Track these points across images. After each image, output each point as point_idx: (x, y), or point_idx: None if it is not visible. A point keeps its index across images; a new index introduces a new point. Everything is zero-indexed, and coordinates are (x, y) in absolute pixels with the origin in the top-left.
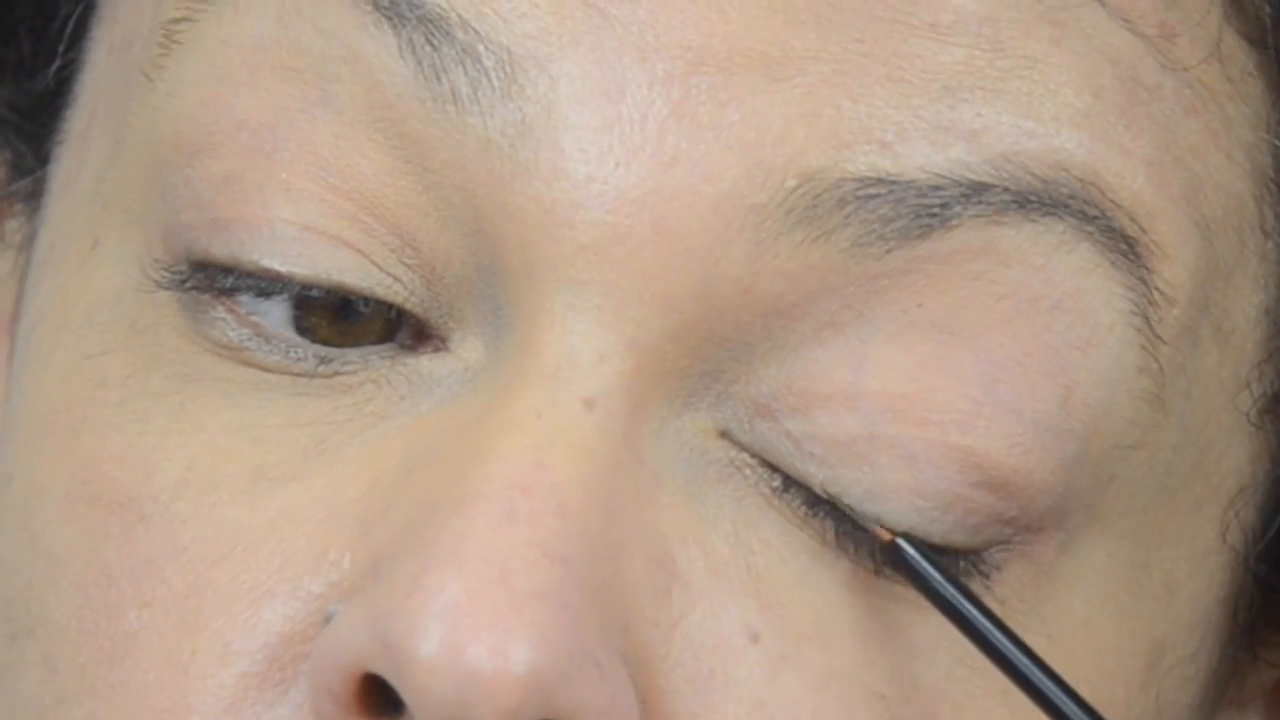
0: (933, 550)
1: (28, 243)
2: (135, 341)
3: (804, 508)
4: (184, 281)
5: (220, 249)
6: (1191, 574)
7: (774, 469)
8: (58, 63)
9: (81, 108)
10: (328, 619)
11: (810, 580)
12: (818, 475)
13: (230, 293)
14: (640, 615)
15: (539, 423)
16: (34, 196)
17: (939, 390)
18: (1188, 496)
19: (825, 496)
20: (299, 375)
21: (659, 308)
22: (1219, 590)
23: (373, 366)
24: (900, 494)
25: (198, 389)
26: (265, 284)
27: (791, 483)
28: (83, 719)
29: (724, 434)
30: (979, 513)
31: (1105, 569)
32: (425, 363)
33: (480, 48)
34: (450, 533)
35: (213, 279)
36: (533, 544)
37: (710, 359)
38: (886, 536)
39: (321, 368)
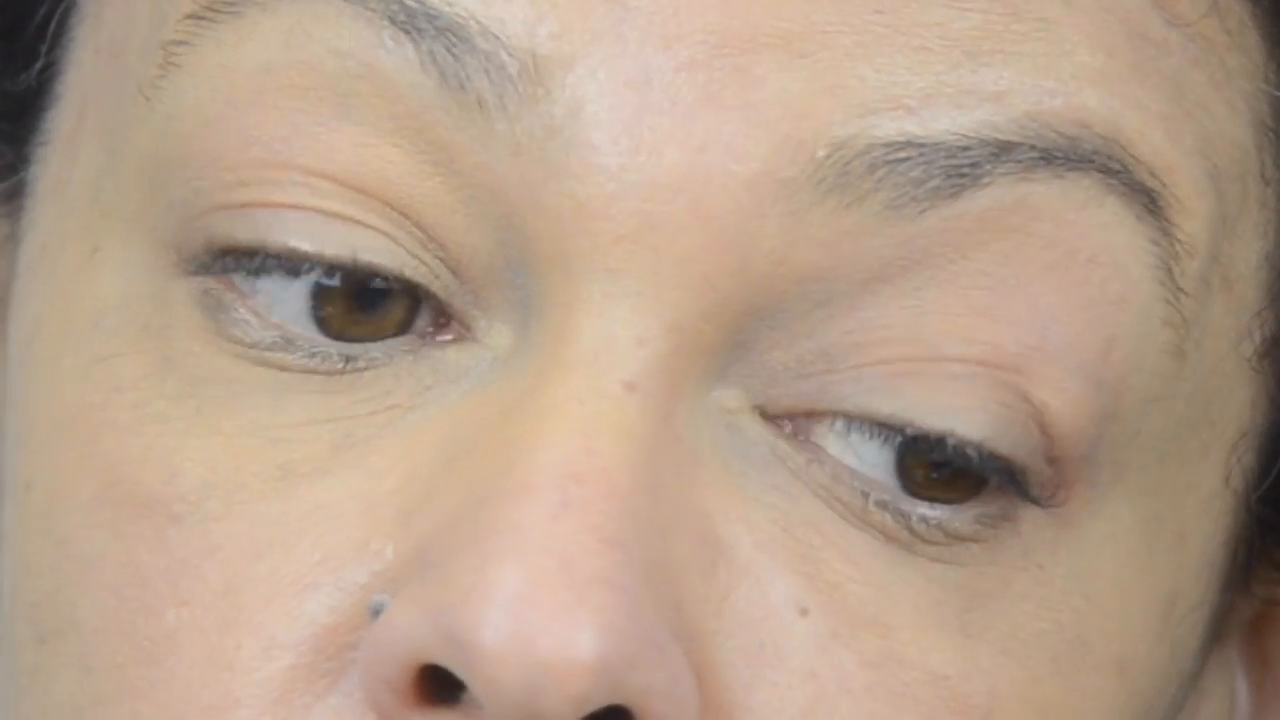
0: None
1: (6, 242)
2: (148, 344)
3: (858, 500)
4: (206, 269)
5: (244, 232)
6: (1199, 521)
7: (819, 455)
8: (40, 63)
9: (68, 109)
10: (374, 609)
11: (866, 570)
12: (882, 407)
13: (255, 274)
14: (690, 592)
15: (582, 408)
16: (14, 196)
17: (995, 333)
18: (1196, 445)
19: (893, 424)
20: (324, 374)
21: (696, 288)
22: (1223, 534)
23: (395, 362)
24: (969, 411)
25: (212, 391)
26: (291, 263)
27: (840, 476)
28: (125, 717)
29: (759, 409)
30: (1031, 441)
31: (1129, 526)
32: (451, 354)
33: (503, 55)
34: (507, 523)
35: (237, 263)
36: (589, 530)
37: (745, 330)
38: None
39: (346, 365)
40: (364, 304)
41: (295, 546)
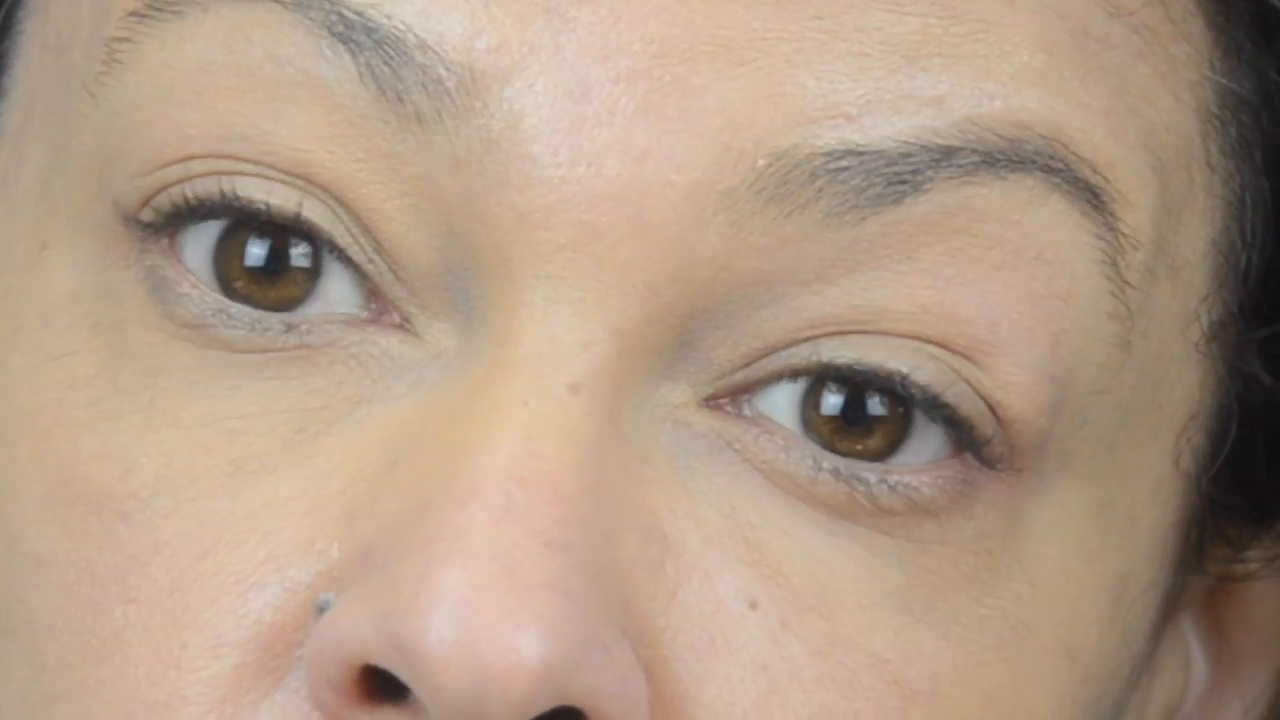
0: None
1: None
2: (99, 341)
3: (805, 474)
4: (157, 228)
5: (195, 189)
6: (1149, 504)
7: (769, 427)
8: None
9: (15, 103)
10: (319, 606)
11: (811, 550)
12: (834, 359)
13: (202, 221)
14: (638, 590)
15: (526, 410)
16: None
17: (944, 328)
18: (1144, 430)
19: (841, 364)
20: (267, 351)
21: (639, 295)
22: (1173, 515)
23: (339, 344)
24: (918, 362)
25: (167, 381)
26: (241, 212)
27: (792, 445)
28: (74, 715)
29: (707, 400)
30: (978, 405)
31: (1076, 513)
32: (395, 344)
33: (441, 69)
34: (451, 528)
35: (190, 213)
36: (533, 535)
37: (690, 330)
38: None
39: (288, 336)
40: (270, 270)
41: (241, 545)
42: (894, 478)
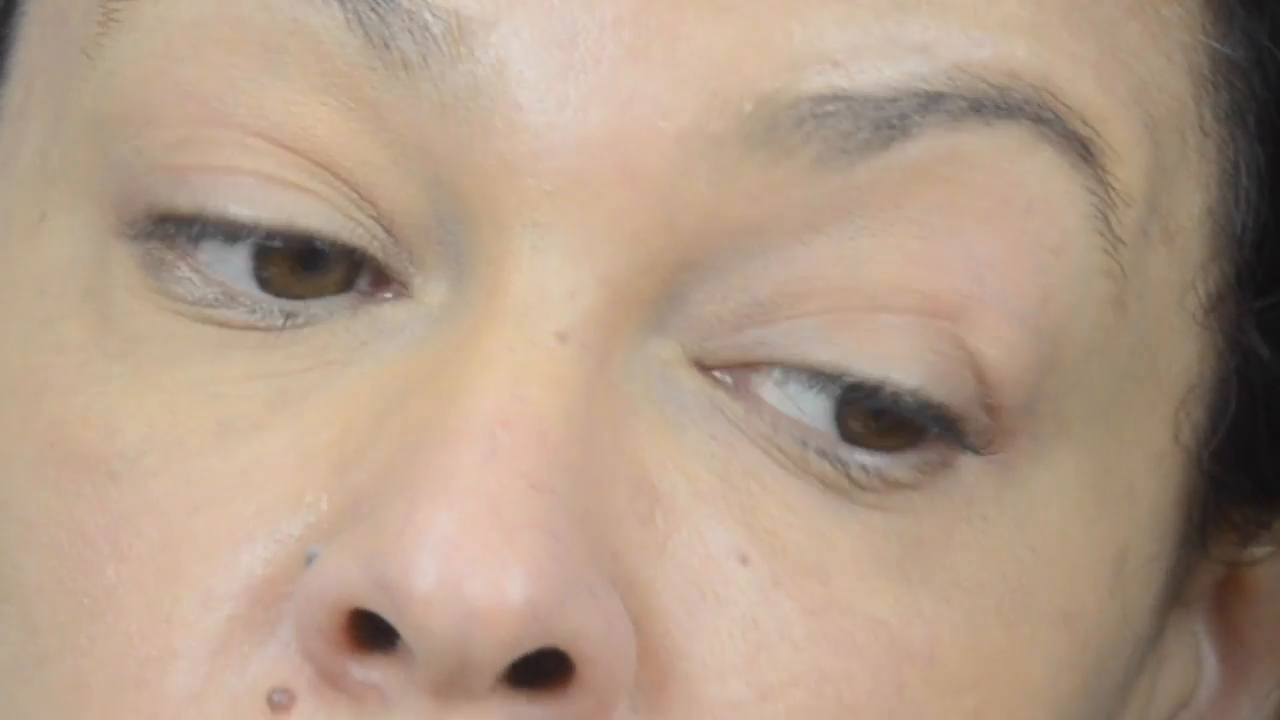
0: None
1: None
2: (88, 307)
3: (796, 450)
4: (148, 235)
5: (183, 200)
6: (1149, 477)
7: (757, 406)
8: None
9: (17, 83)
10: (309, 559)
11: (810, 522)
12: (819, 355)
13: (195, 240)
14: (626, 540)
15: (513, 356)
16: None
17: (930, 281)
18: (1142, 400)
19: (829, 371)
20: (263, 330)
21: (627, 244)
22: (1174, 492)
23: (334, 318)
24: (905, 359)
25: (151, 349)
26: (230, 230)
27: (779, 424)
28: (67, 675)
29: (696, 361)
30: (968, 389)
31: (1074, 479)
32: (388, 310)
33: (427, 15)
34: (436, 469)
35: (177, 229)
36: (519, 476)
37: (679, 283)
38: None
39: (287, 321)
40: (307, 264)
41: (231, 501)
42: (872, 463)
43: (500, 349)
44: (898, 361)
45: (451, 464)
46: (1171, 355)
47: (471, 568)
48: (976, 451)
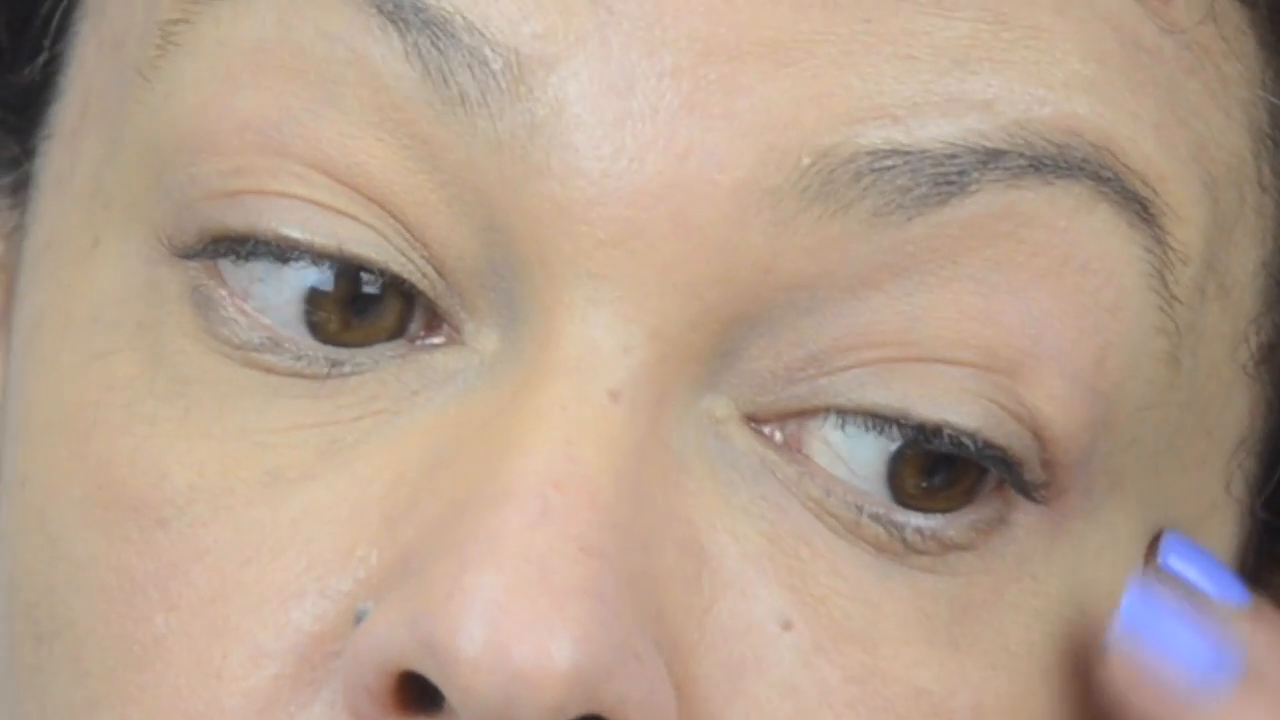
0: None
1: (14, 233)
2: (141, 341)
3: (849, 515)
4: (199, 254)
5: (235, 219)
6: (1200, 530)
7: (809, 468)
8: (44, 56)
9: (71, 103)
10: (358, 617)
11: (859, 588)
12: (876, 399)
13: (244, 260)
14: (673, 602)
15: (565, 415)
16: (19, 189)
17: (988, 338)
18: (1194, 453)
19: (888, 414)
20: (309, 378)
21: (680, 297)
22: (1226, 542)
23: (381, 368)
24: (963, 403)
25: (200, 392)
26: (280, 249)
27: (832, 489)
28: None
29: (749, 417)
30: (1025, 440)
31: (1126, 536)
32: (439, 357)
33: (487, 51)
34: (485, 530)
35: (229, 248)
36: (569, 539)
37: (733, 339)
38: None
39: (331, 370)
40: (358, 309)
41: (282, 553)
42: (929, 525)
43: (552, 406)
44: (956, 405)
45: (501, 525)
46: (1223, 408)
47: (518, 632)
48: (1034, 499)
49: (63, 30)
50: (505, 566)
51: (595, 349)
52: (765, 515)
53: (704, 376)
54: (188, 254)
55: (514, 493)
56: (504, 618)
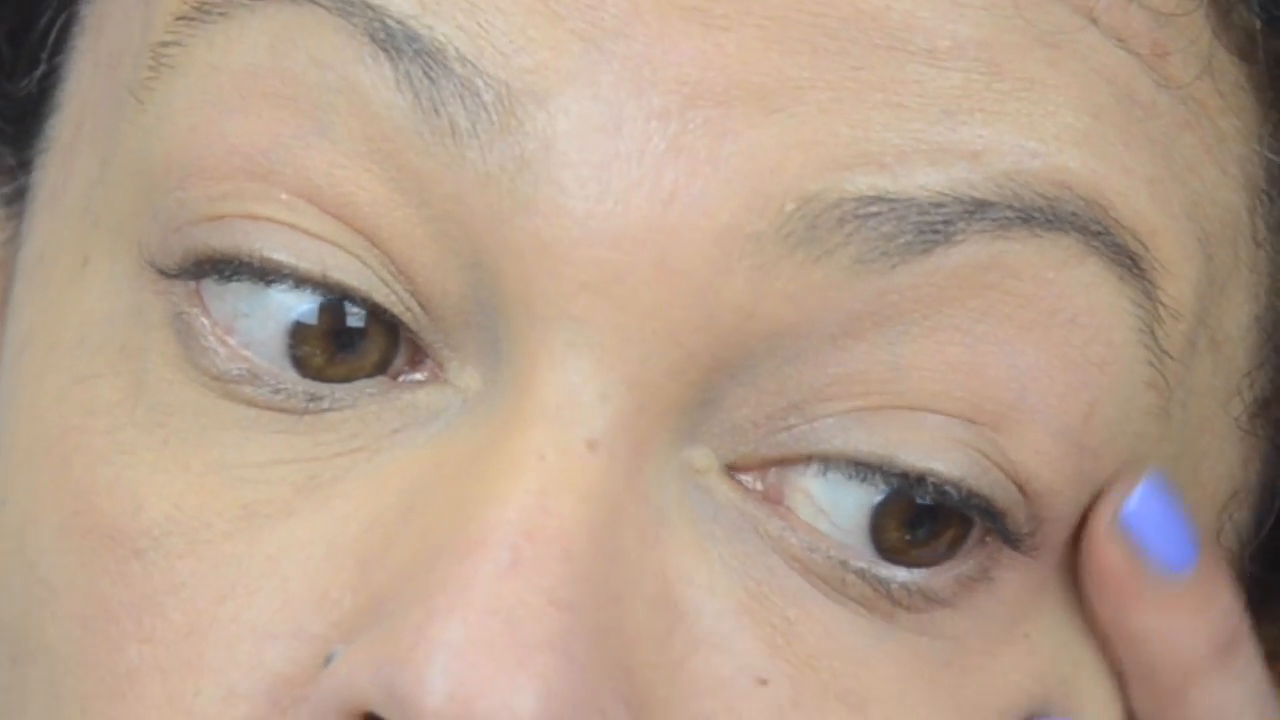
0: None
1: (11, 241)
2: (124, 366)
3: (834, 572)
4: (183, 275)
5: (220, 240)
6: None
7: (791, 521)
8: (41, 69)
9: (67, 118)
10: (329, 659)
11: (845, 643)
12: (860, 446)
13: (226, 280)
14: (643, 659)
15: (542, 464)
16: (17, 199)
17: (973, 390)
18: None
19: (873, 462)
20: (287, 412)
21: (660, 344)
22: None
23: (361, 405)
24: (948, 451)
25: (180, 423)
26: (263, 271)
27: (815, 544)
28: None
29: (729, 467)
30: (1010, 493)
31: None
32: (421, 395)
33: (479, 82)
34: (455, 580)
35: (212, 266)
36: (538, 592)
37: (713, 387)
38: None
39: (310, 404)
40: (342, 344)
41: (258, 591)
42: (913, 579)
43: (529, 454)
44: (941, 453)
45: (470, 575)
46: (1214, 461)
47: (481, 685)
48: (1020, 550)
49: (61, 44)
50: (471, 618)
51: (574, 396)
52: (750, 572)
53: (684, 426)
54: (171, 274)
55: (485, 542)
56: (468, 670)
